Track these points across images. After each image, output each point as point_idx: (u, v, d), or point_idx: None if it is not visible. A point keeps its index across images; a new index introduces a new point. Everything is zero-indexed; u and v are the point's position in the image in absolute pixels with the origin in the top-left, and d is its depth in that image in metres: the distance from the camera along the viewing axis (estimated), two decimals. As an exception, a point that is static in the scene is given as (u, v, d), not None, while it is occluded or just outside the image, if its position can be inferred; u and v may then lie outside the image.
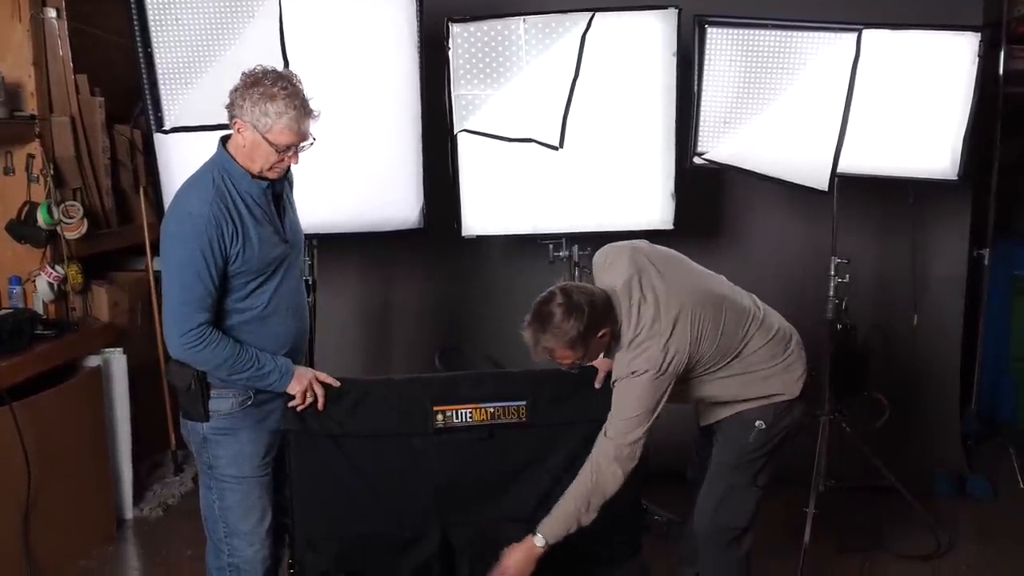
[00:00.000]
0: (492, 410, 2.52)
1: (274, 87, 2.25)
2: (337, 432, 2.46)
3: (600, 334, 2.40)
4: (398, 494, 2.52)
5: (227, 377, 2.36)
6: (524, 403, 2.54)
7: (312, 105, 2.31)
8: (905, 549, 3.54)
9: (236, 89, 2.29)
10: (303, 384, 2.42)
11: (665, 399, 2.42)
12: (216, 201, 2.27)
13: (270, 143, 2.27)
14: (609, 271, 2.52)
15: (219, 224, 2.25)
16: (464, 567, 2.54)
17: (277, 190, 2.41)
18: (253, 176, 2.33)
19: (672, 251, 2.62)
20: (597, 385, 2.61)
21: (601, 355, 2.55)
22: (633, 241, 2.61)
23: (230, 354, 2.31)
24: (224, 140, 2.37)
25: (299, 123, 2.27)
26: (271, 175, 2.34)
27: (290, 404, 2.43)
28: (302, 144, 2.32)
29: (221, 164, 2.33)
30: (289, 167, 2.39)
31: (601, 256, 2.60)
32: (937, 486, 4.03)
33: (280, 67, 2.58)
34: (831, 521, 3.52)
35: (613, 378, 2.46)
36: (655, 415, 2.42)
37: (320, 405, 2.45)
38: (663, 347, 2.39)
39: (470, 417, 2.51)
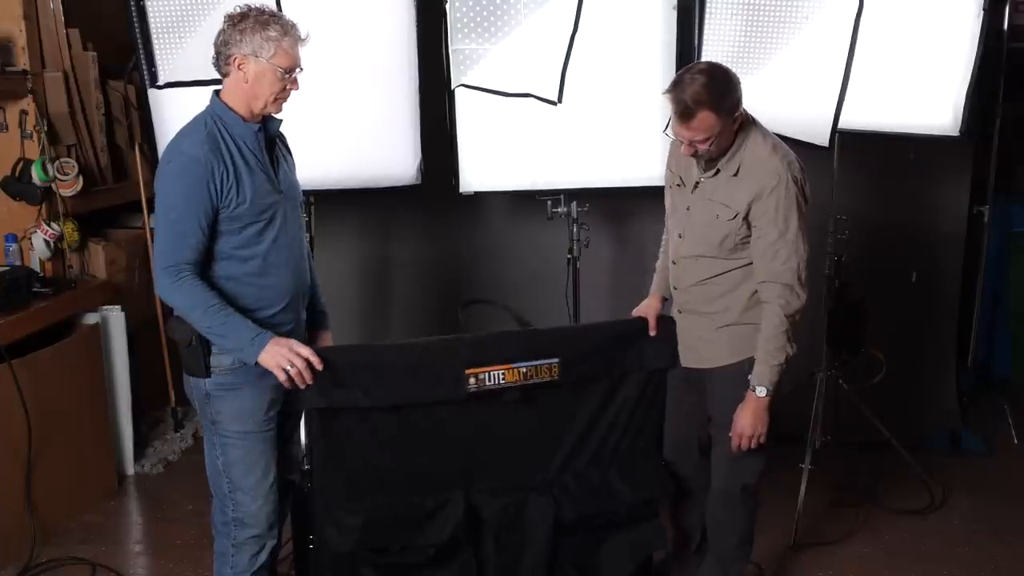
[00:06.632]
0: (524, 370, 2.41)
1: (262, 15, 2.32)
2: (365, 404, 2.32)
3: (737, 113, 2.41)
4: (425, 462, 2.43)
5: (201, 329, 2.31)
6: (556, 361, 2.44)
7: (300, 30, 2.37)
8: (900, 504, 3.58)
9: (223, 31, 2.33)
10: (275, 358, 2.25)
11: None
12: (207, 142, 2.29)
13: (276, 67, 2.31)
14: None
15: (210, 165, 2.26)
16: (489, 542, 2.48)
17: (271, 133, 2.41)
18: (248, 119, 2.35)
19: None
20: (652, 333, 2.59)
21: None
22: None
23: (201, 301, 2.27)
24: (217, 92, 2.39)
25: (294, 45, 2.34)
26: (274, 108, 2.37)
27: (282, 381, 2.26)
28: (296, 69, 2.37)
29: (214, 111, 2.36)
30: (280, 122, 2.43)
31: None
32: (932, 442, 4.07)
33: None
34: (826, 477, 3.56)
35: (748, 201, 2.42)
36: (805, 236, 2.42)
37: (307, 379, 2.25)
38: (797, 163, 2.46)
39: (503, 378, 2.39)
